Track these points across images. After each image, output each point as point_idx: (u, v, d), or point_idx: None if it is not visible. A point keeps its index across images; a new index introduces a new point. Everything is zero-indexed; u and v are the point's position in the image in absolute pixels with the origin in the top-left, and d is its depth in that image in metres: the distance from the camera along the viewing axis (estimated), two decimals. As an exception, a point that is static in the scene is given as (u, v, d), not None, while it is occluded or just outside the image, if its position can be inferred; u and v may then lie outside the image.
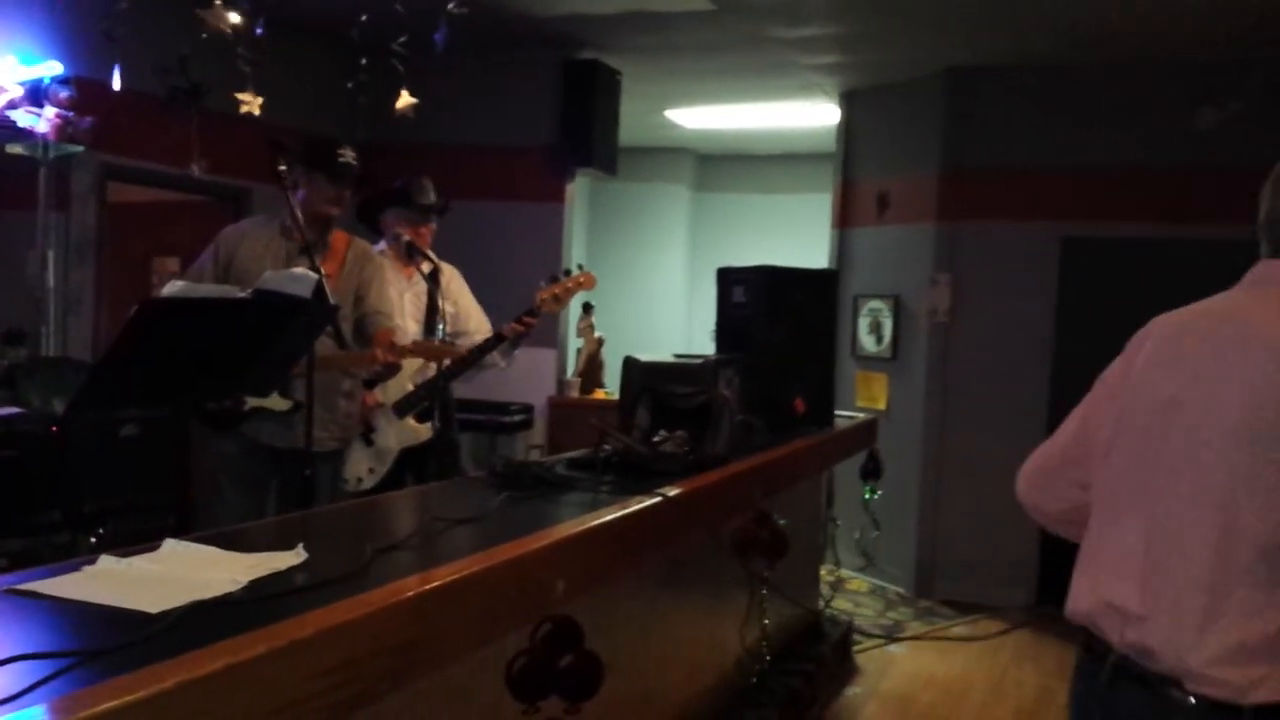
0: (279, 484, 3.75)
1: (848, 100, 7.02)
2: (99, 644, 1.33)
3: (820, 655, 4.50)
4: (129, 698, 1.18)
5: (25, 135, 4.49)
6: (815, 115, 7.57)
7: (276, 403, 3.47)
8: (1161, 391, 1.64)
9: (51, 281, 4.78)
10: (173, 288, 2.24)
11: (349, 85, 4.33)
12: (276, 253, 3.58)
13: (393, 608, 1.59)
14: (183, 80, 4.71)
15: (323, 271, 3.00)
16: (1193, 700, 1.51)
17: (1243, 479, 1.52)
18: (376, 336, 3.67)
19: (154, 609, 1.51)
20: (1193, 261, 5.63)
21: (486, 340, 4.07)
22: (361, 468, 3.90)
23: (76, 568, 1.71)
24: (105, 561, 1.74)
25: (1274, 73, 5.53)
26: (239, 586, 1.67)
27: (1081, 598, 1.72)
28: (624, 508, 2.40)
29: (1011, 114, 6.14)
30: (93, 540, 3.93)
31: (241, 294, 2.40)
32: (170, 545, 1.89)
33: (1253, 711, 1.47)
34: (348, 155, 3.59)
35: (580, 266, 4.15)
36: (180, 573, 1.75)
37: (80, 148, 4.65)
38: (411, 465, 3.95)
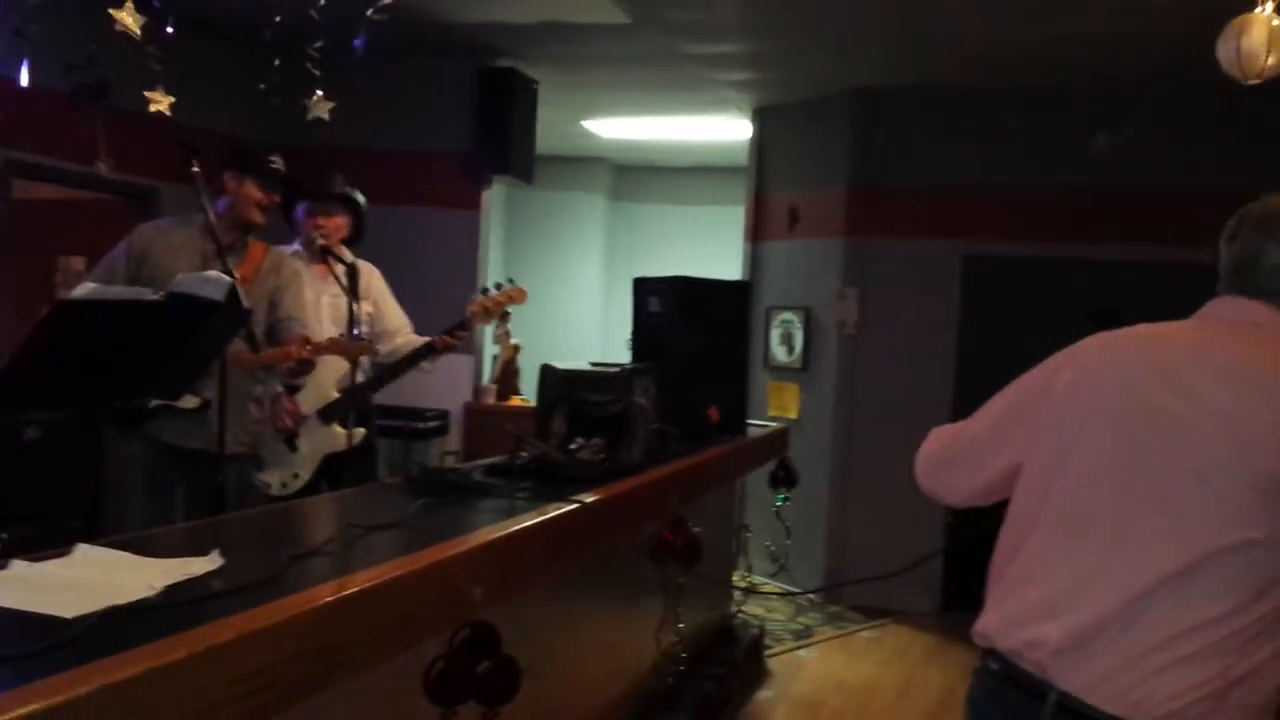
0: (186, 487, 3.69)
1: (760, 116, 7.15)
2: (14, 649, 1.32)
3: (732, 659, 4.57)
4: (49, 702, 1.17)
5: (-73, 131, 4.35)
6: (728, 130, 7.69)
7: (184, 400, 3.42)
8: (1106, 413, 1.62)
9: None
10: (84, 289, 2.20)
11: (261, 87, 4.28)
12: (193, 253, 3.54)
13: (312, 613, 1.60)
14: (90, 78, 4.60)
15: (237, 275, 2.97)
16: None
17: (1225, 520, 1.49)
18: (289, 338, 3.65)
19: (69, 614, 1.50)
20: (1087, 279, 5.90)
21: (416, 350, 4.11)
22: (286, 474, 3.86)
23: (-14, 573, 1.68)
24: (16, 566, 1.71)
25: (1165, 101, 5.80)
26: (155, 592, 1.66)
27: (1012, 626, 1.65)
28: (542, 514, 2.43)
29: (916, 134, 6.34)
30: (-5, 546, 3.82)
31: (154, 296, 2.37)
32: (82, 550, 1.87)
33: None
34: (278, 161, 3.62)
35: (511, 280, 4.17)
36: (94, 578, 1.73)
37: (-15, 144, 4.52)
38: (328, 471, 3.92)
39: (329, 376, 3.89)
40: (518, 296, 4.10)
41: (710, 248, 8.69)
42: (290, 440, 3.88)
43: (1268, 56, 3.47)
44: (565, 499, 2.59)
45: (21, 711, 1.14)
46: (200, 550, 1.91)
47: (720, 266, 6.89)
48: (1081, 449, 1.64)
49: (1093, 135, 5.83)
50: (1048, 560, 1.64)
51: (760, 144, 7.17)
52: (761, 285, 6.84)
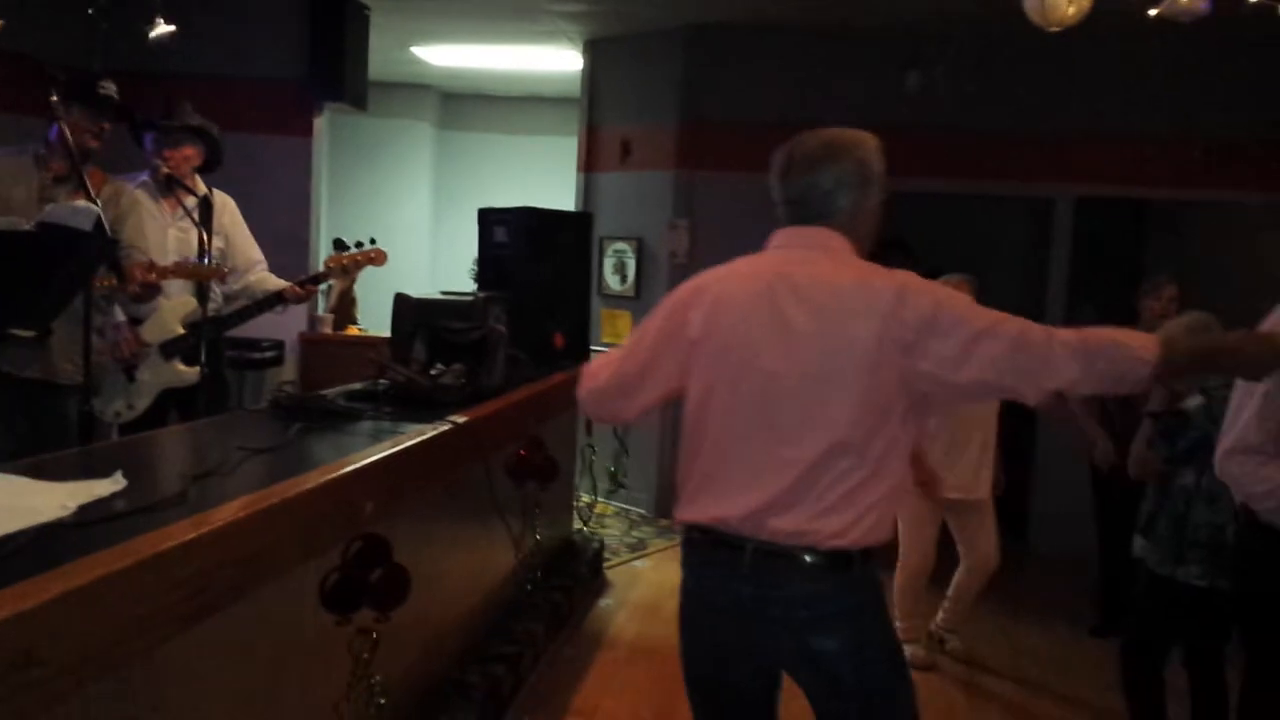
0: (26, 417, 3.63)
1: (591, 48, 7.25)
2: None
3: (576, 572, 4.84)
4: (24, 606, 1.27)
5: None
6: (560, 60, 7.75)
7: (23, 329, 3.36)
8: (737, 342, 1.98)
9: None
10: (-38, 222, 2.19)
11: (89, 11, 4.14)
12: (29, 183, 3.45)
13: (238, 523, 1.73)
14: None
15: (99, 203, 2.94)
16: (812, 557, 1.93)
17: (845, 404, 1.90)
18: (133, 264, 3.62)
19: (-6, 534, 1.57)
20: (900, 212, 6.34)
21: (267, 297, 4.09)
22: (120, 403, 3.82)
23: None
24: (-77, 494, 1.76)
25: (969, 43, 6.24)
26: (68, 512, 1.74)
27: (706, 507, 2.02)
28: (421, 434, 2.58)
29: (744, 71, 6.60)
30: None
31: (26, 226, 2.37)
32: (-19, 476, 1.91)
33: (860, 553, 1.94)
34: (109, 88, 3.52)
35: (373, 240, 4.18)
36: (3, 501, 1.79)
37: None
38: (178, 403, 3.90)
39: (173, 312, 3.87)
40: (378, 258, 4.11)
41: (542, 178, 8.77)
42: (129, 370, 3.85)
43: (1069, 6, 3.86)
44: (441, 420, 2.74)
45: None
46: (96, 474, 1.98)
47: (552, 197, 7.00)
48: (722, 374, 2.01)
49: (906, 74, 6.22)
50: (720, 461, 2.02)
51: (591, 76, 7.29)
52: (595, 216, 7.00)
